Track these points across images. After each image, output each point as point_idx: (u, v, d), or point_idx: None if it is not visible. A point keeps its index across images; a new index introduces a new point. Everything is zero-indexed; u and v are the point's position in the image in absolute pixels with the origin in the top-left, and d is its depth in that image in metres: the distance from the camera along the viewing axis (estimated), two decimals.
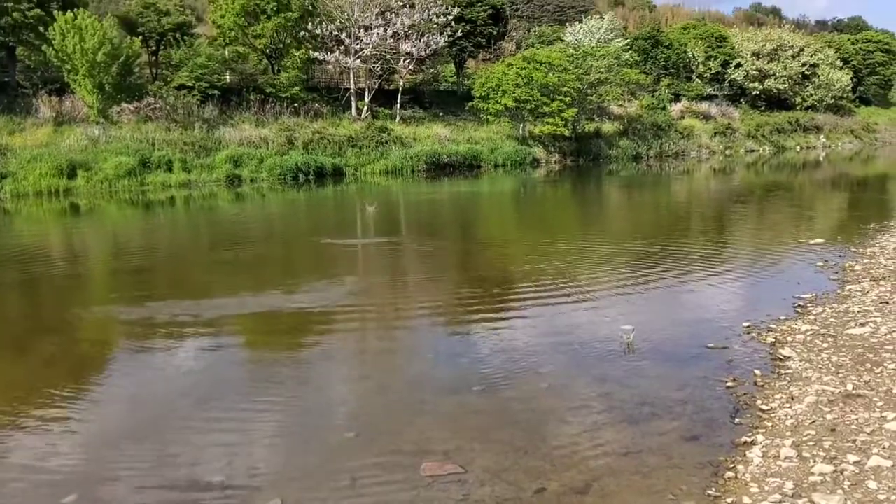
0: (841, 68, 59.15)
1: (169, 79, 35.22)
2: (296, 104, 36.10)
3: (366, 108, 38.44)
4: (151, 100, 32.53)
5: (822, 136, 56.21)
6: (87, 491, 5.27)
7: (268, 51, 38.04)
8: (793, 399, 6.31)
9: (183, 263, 14.61)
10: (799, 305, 9.54)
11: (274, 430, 6.20)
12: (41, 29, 30.72)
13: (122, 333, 9.37)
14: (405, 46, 37.51)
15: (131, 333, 9.20)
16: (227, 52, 38.87)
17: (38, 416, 6.55)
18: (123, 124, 31.25)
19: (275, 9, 35.57)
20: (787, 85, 55.75)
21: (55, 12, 30.42)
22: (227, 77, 37.44)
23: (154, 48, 37.91)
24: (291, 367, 7.89)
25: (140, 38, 34.22)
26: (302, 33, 36.53)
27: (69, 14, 29.60)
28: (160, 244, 17.16)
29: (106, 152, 28.66)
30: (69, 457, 5.82)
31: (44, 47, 30.01)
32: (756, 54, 55.46)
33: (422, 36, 37.96)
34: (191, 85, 33.72)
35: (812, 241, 14.32)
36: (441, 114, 41.84)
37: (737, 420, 6.05)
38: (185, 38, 37.84)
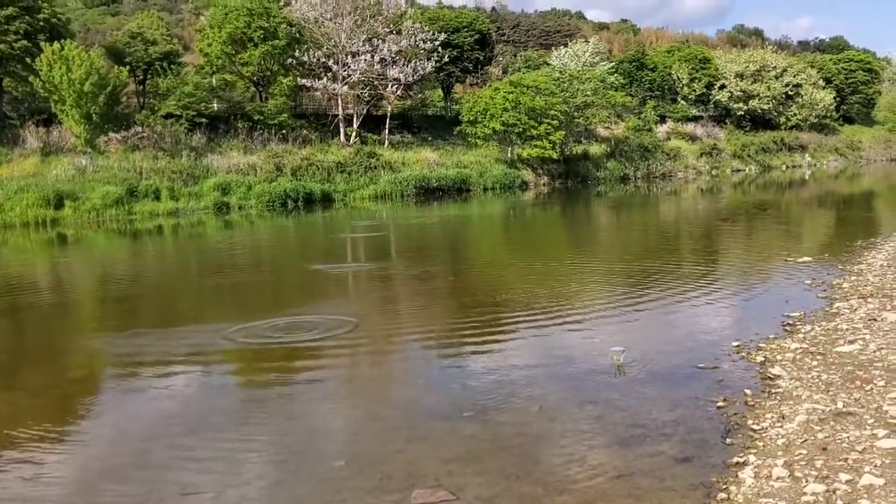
0: (824, 88, 59.90)
1: (156, 107, 35.30)
2: (284, 131, 36.21)
3: (354, 133, 38.58)
4: (139, 129, 32.57)
5: (807, 155, 56.78)
6: None
7: (255, 78, 38.22)
8: (784, 418, 6.30)
9: (169, 292, 14.54)
10: (788, 324, 9.56)
11: (262, 461, 6.14)
12: (28, 60, 30.81)
13: (108, 364, 9.29)
14: (393, 72, 37.78)
15: (118, 364, 9.12)
16: (214, 80, 39.04)
17: (23, 448, 6.46)
18: (111, 154, 31.25)
19: (262, 37, 35.79)
20: (771, 105, 56.36)
21: (42, 43, 30.54)
22: (215, 105, 37.55)
23: (141, 77, 38.04)
24: (279, 396, 7.83)
25: (127, 67, 34.33)
26: (289, 60, 36.74)
27: (56, 45, 29.70)
28: (147, 273, 17.09)
29: (93, 182, 28.61)
30: (55, 490, 5.74)
31: (31, 78, 30.09)
32: (740, 75, 56.11)
33: (409, 62, 38.25)
34: (178, 113, 33.79)
35: (800, 260, 14.40)
36: (429, 138, 42.06)
37: (728, 440, 6.03)
38: (172, 66, 38.01)
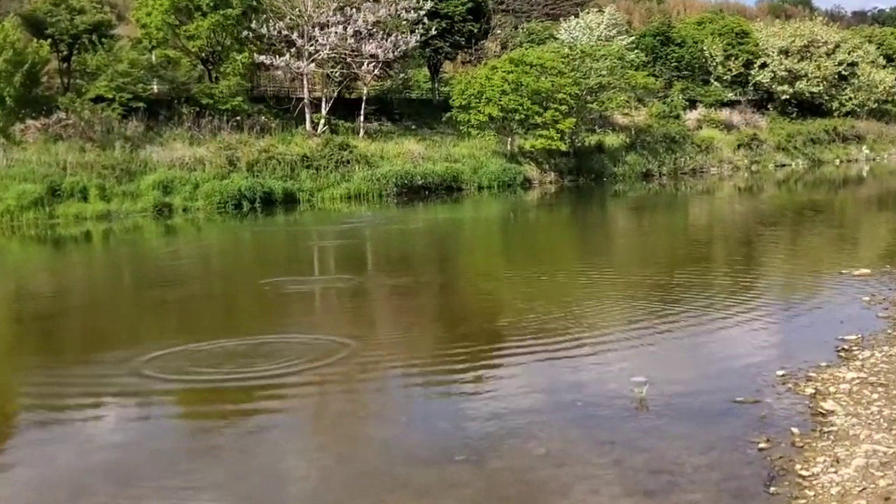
0: (884, 67, 60.33)
1: (84, 89, 35.15)
2: (238, 118, 36.16)
3: (323, 121, 38.59)
4: (62, 115, 32.41)
5: (864, 147, 57.14)
6: None
7: (203, 55, 38.17)
8: (838, 462, 6.31)
9: (99, 311, 14.46)
10: (843, 349, 9.58)
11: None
12: None
13: (26, 396, 9.21)
14: (369, 47, 37.80)
15: (38, 395, 9.04)
16: (154, 57, 38.97)
17: None
18: (28, 145, 31.09)
19: (211, 5, 35.74)
20: (821, 87, 56.68)
21: None
22: (155, 86, 37.48)
23: (66, 53, 37.87)
24: (232, 437, 7.77)
25: (49, 40, 34.16)
26: (244, 33, 36.70)
27: None
28: (71, 288, 17.00)
29: (7, 179, 28.44)
30: None
31: None
32: (784, 52, 56.46)
33: (389, 35, 38.29)
34: (110, 96, 33.67)
35: (856, 272, 14.45)
36: (413, 127, 42.13)
37: (772, 489, 6.03)
38: (104, 40, 37.82)
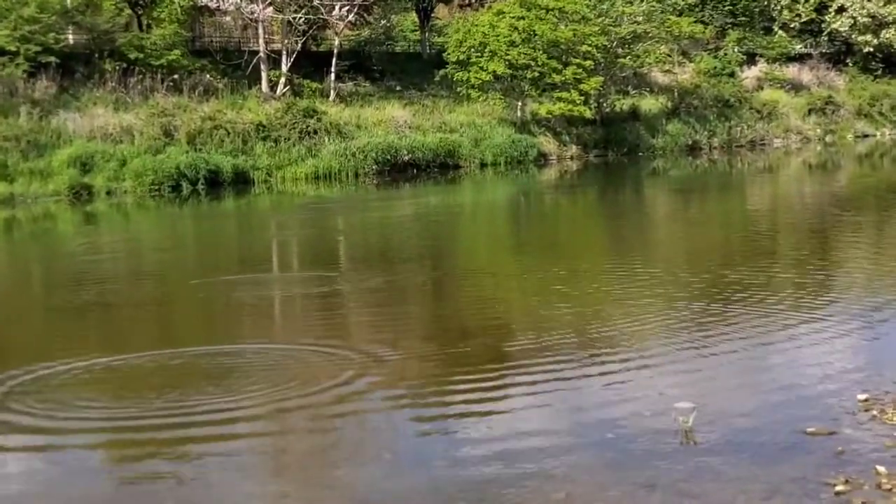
0: None
1: None
2: (175, 76, 36.13)
3: (283, 80, 38.57)
4: None
5: None
6: None
7: None
8: None
9: (9, 319, 14.47)
10: None
11: None
12: None
13: None
14: None
15: None
16: (69, 0, 38.88)
17: None
18: None
19: None
20: None
21: None
22: (70, 37, 37.40)
23: None
24: (172, 481, 7.79)
25: None
26: None
27: None
28: None
29: None
30: None
31: None
32: None
33: None
34: (13, 49, 33.59)
35: None
36: (398, 88, 42.15)
37: None
38: None
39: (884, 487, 6.86)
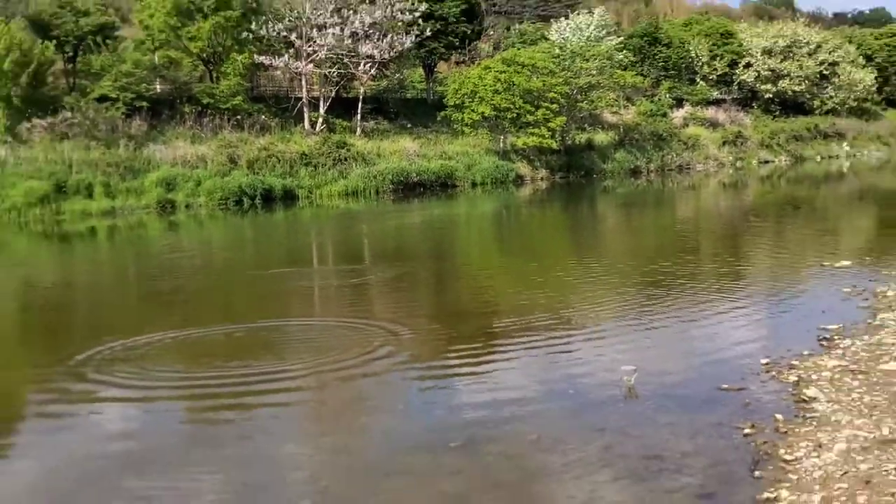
0: (864, 66, 60.33)
1: (89, 89, 35.04)
2: (238, 117, 36.06)
3: (321, 120, 38.51)
4: (68, 114, 32.28)
5: (845, 144, 57.20)
6: None
7: (205, 55, 38.06)
8: (821, 447, 6.33)
9: (104, 301, 14.44)
10: (824, 338, 9.61)
11: (219, 500, 6.09)
12: None
13: (34, 385, 9.19)
14: (365, 48, 37.73)
15: (45, 386, 9.02)
16: (156, 58, 38.84)
17: None
18: (35, 143, 30.97)
19: (212, 7, 35.65)
20: (803, 86, 56.71)
21: None
22: (158, 86, 37.35)
23: (71, 54, 37.75)
24: (235, 426, 7.78)
25: (54, 42, 34.06)
26: (244, 34, 36.58)
27: None
28: (77, 281, 16.97)
29: (14, 176, 28.36)
30: None
31: None
32: (768, 52, 56.46)
33: (384, 36, 38.21)
34: (114, 96, 33.57)
35: (837, 264, 14.49)
36: (409, 125, 42.04)
37: (757, 473, 6.05)
38: (108, 41, 37.74)
39: (780, 431, 6.85)
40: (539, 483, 6.16)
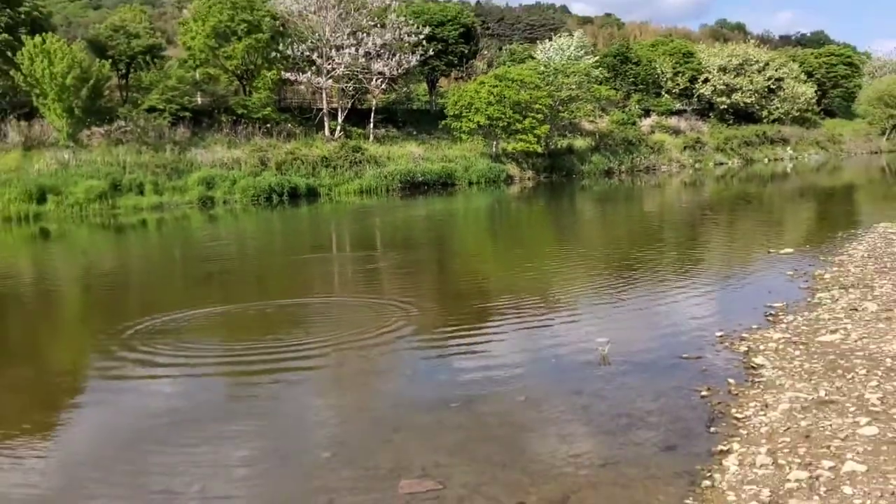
0: (805, 82, 60.21)
1: (139, 101, 34.95)
2: (268, 125, 35.97)
3: (339, 128, 38.40)
4: (122, 122, 32.23)
5: (788, 149, 57.10)
6: None
7: (239, 72, 37.93)
8: (767, 407, 6.35)
9: (154, 282, 14.44)
10: (770, 314, 9.63)
11: (249, 452, 6.11)
12: (9, 54, 30.44)
13: (92, 353, 9.21)
14: (377, 66, 37.61)
15: (102, 354, 9.04)
16: (197, 74, 38.70)
17: (6, 444, 6.39)
18: (93, 148, 30.93)
19: (245, 30, 35.51)
20: (753, 99, 56.61)
21: (23, 37, 30.16)
22: (198, 98, 37.24)
23: (124, 71, 37.65)
24: (266, 388, 7.80)
25: (110, 60, 33.93)
26: (273, 54, 36.47)
27: (38, 38, 29.37)
28: (133, 265, 16.97)
29: (76, 176, 28.33)
30: (41, 485, 5.69)
31: (12, 72, 29.71)
32: (723, 69, 56.30)
33: (394, 55, 38.08)
34: (161, 107, 33.48)
35: (782, 251, 14.49)
36: (414, 132, 41.92)
37: (712, 429, 6.07)
38: (156, 60, 37.64)
39: (732, 393, 6.87)
40: (526, 436, 6.18)
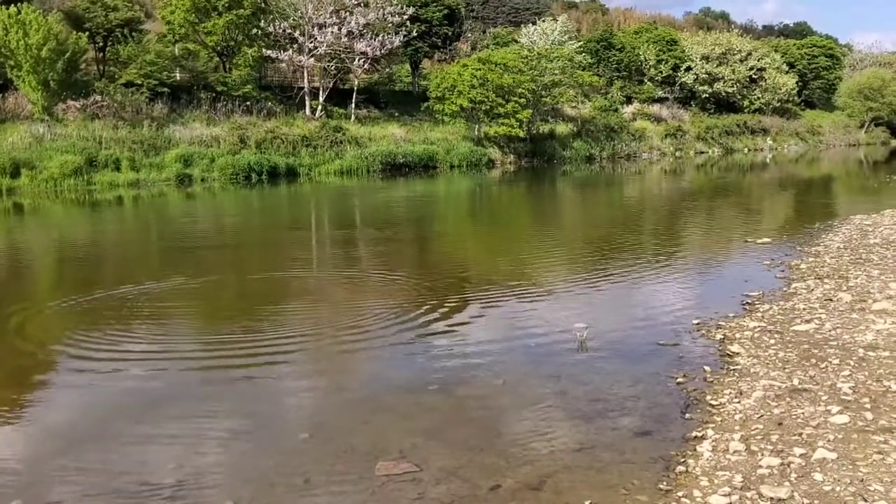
0: (787, 72, 60.61)
1: (117, 76, 34.46)
2: (248, 103, 35.63)
3: (320, 107, 38.14)
4: (98, 97, 31.74)
5: (768, 139, 57.56)
6: (31, 497, 5.12)
7: (219, 48, 37.48)
8: (741, 394, 6.44)
9: (127, 255, 14.29)
10: (747, 303, 9.74)
11: (225, 433, 6.09)
12: None
13: (64, 330, 9.12)
14: (360, 45, 37.33)
15: (75, 329, 8.94)
16: (177, 49, 38.22)
17: None
18: (69, 122, 30.47)
19: (226, 5, 35.07)
20: (735, 88, 56.91)
21: None
22: (177, 74, 36.78)
23: (101, 44, 37.05)
24: (243, 369, 7.76)
25: (87, 33, 33.38)
26: (254, 31, 36.08)
27: (12, 9, 28.81)
28: (104, 240, 16.79)
29: (51, 151, 27.91)
30: (10, 462, 5.64)
31: None
32: (705, 58, 56.51)
33: (377, 35, 37.81)
34: (139, 82, 33.04)
35: (759, 241, 14.64)
36: (396, 114, 41.74)
37: (687, 415, 6.14)
38: (134, 34, 37.05)
39: (708, 380, 6.95)
40: (503, 420, 6.22)
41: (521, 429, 6.00)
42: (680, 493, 4.86)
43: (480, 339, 8.51)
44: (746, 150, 54.17)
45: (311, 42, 36.90)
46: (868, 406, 5.91)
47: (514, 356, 7.89)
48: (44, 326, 9.41)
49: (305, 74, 38.20)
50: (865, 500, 4.55)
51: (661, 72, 55.36)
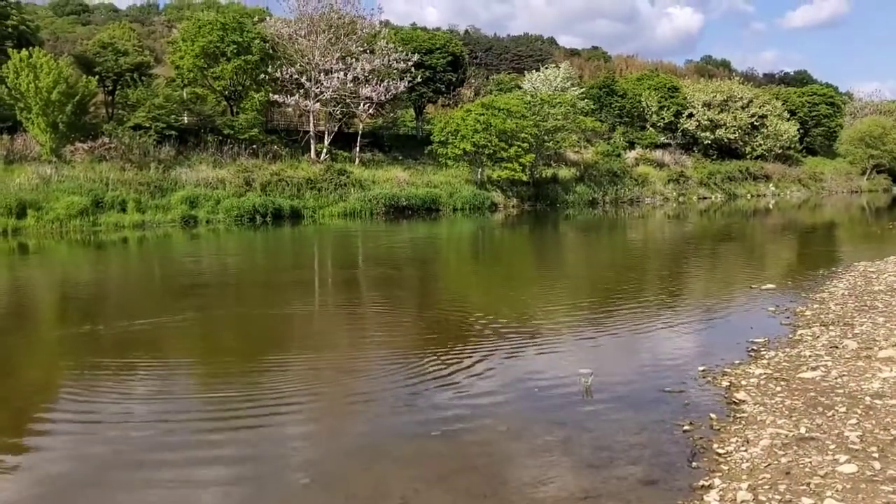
0: (788, 119, 61.23)
1: (125, 119, 34.93)
2: (254, 146, 36.01)
3: (325, 150, 38.51)
4: (106, 139, 32.15)
5: (771, 185, 57.87)
6: None
7: (227, 92, 38.03)
8: (748, 442, 6.36)
9: (130, 293, 14.29)
10: (752, 350, 9.67)
11: (226, 477, 6.02)
12: None
13: (67, 371, 9.07)
14: (365, 91, 37.85)
15: (78, 371, 8.90)
16: (185, 93, 38.77)
17: None
18: (77, 164, 30.78)
19: (235, 51, 35.67)
20: (737, 135, 57.44)
21: (10, 50, 30.10)
22: (185, 118, 37.27)
23: (111, 88, 37.64)
24: (243, 412, 7.69)
25: (97, 77, 33.93)
26: (262, 76, 36.63)
27: (24, 52, 29.31)
28: (108, 279, 16.80)
29: (58, 192, 28.15)
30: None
31: None
32: (707, 105, 57.15)
33: (382, 81, 38.36)
34: (147, 125, 33.45)
35: (764, 287, 14.60)
36: (400, 157, 42.12)
37: (694, 464, 6.07)
38: (143, 78, 37.70)
39: (714, 428, 6.88)
40: (507, 467, 6.14)
41: (526, 476, 5.92)
42: None
43: (484, 384, 8.44)
44: (749, 195, 54.42)
45: (317, 87, 37.43)
46: (876, 455, 5.84)
47: (518, 402, 7.81)
48: (38, 362, 9.37)
49: (311, 118, 38.66)
50: None
51: (663, 118, 55.93)
